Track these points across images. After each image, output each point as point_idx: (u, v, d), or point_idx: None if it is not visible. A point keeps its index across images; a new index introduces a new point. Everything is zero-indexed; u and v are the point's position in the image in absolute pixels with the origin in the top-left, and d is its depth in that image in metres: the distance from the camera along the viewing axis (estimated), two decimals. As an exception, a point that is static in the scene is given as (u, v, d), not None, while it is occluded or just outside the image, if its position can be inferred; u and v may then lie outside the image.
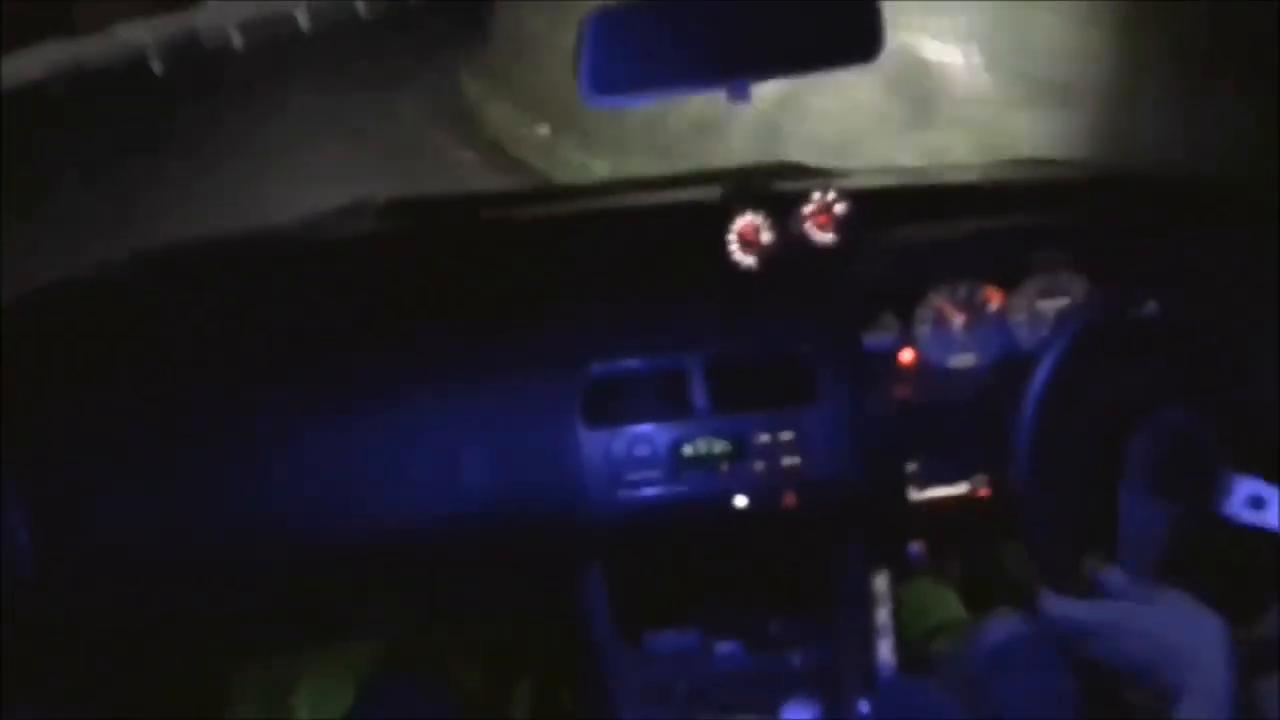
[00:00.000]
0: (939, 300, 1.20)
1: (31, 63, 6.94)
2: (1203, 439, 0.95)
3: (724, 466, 1.17)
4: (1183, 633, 0.89)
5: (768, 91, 1.06)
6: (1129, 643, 0.91)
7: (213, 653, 1.43)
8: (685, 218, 1.29)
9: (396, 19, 7.95)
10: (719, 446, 1.17)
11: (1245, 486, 0.92)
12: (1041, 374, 0.96)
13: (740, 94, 1.04)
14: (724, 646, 1.18)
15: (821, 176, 1.34)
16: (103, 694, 1.33)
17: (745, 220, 1.21)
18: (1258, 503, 0.91)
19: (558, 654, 1.51)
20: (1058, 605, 0.94)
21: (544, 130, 4.29)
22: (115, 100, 6.59)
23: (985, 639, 1.19)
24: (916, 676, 1.23)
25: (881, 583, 1.22)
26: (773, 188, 1.28)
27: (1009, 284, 1.19)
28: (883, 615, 1.21)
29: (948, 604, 1.62)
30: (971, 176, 1.45)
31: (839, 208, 1.21)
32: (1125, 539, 0.95)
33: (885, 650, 1.20)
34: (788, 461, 1.17)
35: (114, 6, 7.60)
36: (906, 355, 1.20)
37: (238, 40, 7.96)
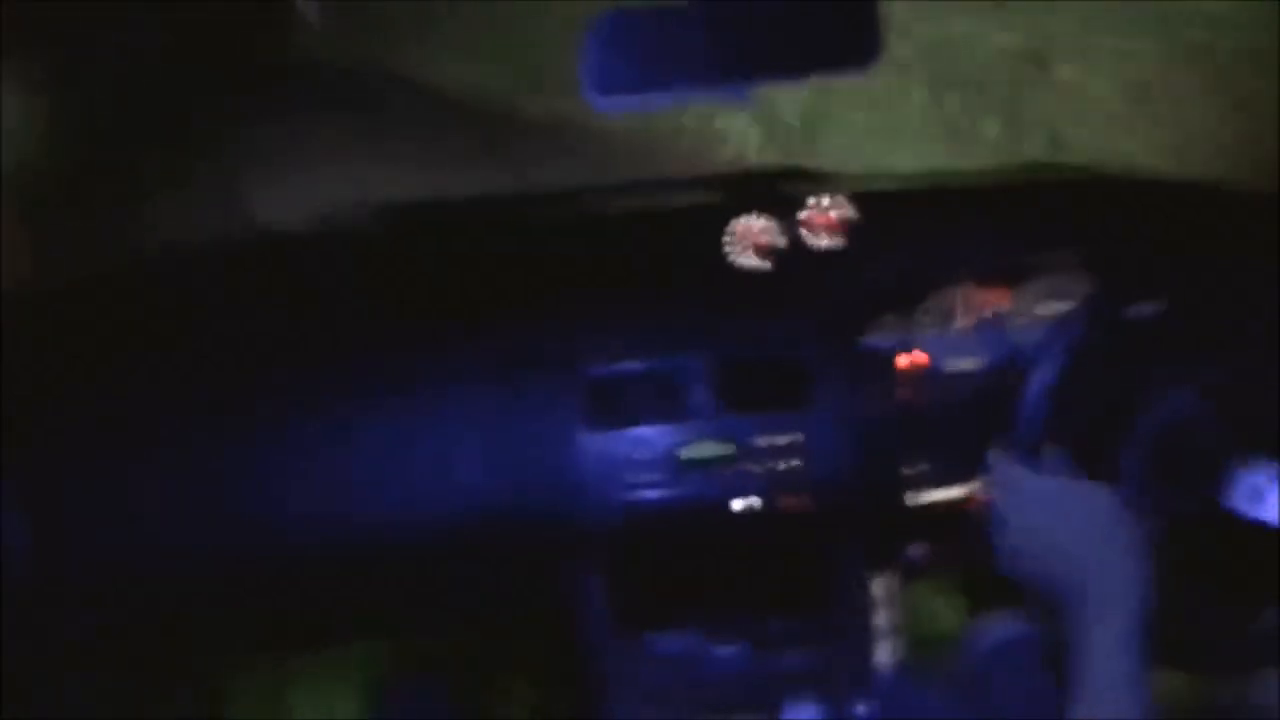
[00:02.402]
0: (940, 303, 1.20)
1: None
2: (1206, 427, 0.95)
3: (724, 469, 1.17)
4: (1108, 530, 0.87)
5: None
6: (1054, 522, 0.89)
7: (213, 653, 1.43)
8: (687, 220, 1.29)
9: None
10: (719, 449, 1.17)
11: (1246, 479, 0.91)
12: (1042, 376, 0.96)
13: (742, 98, 1.04)
14: (724, 648, 1.18)
15: (823, 179, 1.34)
16: (102, 694, 1.33)
17: (747, 223, 1.21)
18: (1255, 494, 0.91)
19: (557, 656, 1.52)
20: (1003, 465, 0.93)
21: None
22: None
23: (984, 639, 1.20)
24: (916, 678, 1.23)
25: (881, 585, 1.22)
26: (775, 190, 1.28)
27: (1011, 287, 1.19)
28: (882, 617, 1.21)
29: (947, 606, 1.62)
30: (973, 180, 1.44)
31: (841, 211, 1.21)
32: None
33: (885, 652, 1.20)
34: (788, 464, 1.17)
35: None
36: (908, 358, 1.20)
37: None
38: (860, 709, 1.14)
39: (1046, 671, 1.05)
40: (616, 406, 1.17)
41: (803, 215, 1.21)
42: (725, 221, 1.20)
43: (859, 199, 1.21)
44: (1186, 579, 0.92)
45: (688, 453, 1.17)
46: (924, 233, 1.22)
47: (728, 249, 1.21)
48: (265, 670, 1.63)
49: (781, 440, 1.17)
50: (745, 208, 1.21)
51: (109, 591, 1.17)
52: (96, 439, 1.16)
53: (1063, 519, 0.88)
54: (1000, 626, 1.19)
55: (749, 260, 1.21)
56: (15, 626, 1.13)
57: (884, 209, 1.24)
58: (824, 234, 1.21)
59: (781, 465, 1.17)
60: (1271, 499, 0.90)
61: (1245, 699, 0.98)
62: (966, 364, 1.20)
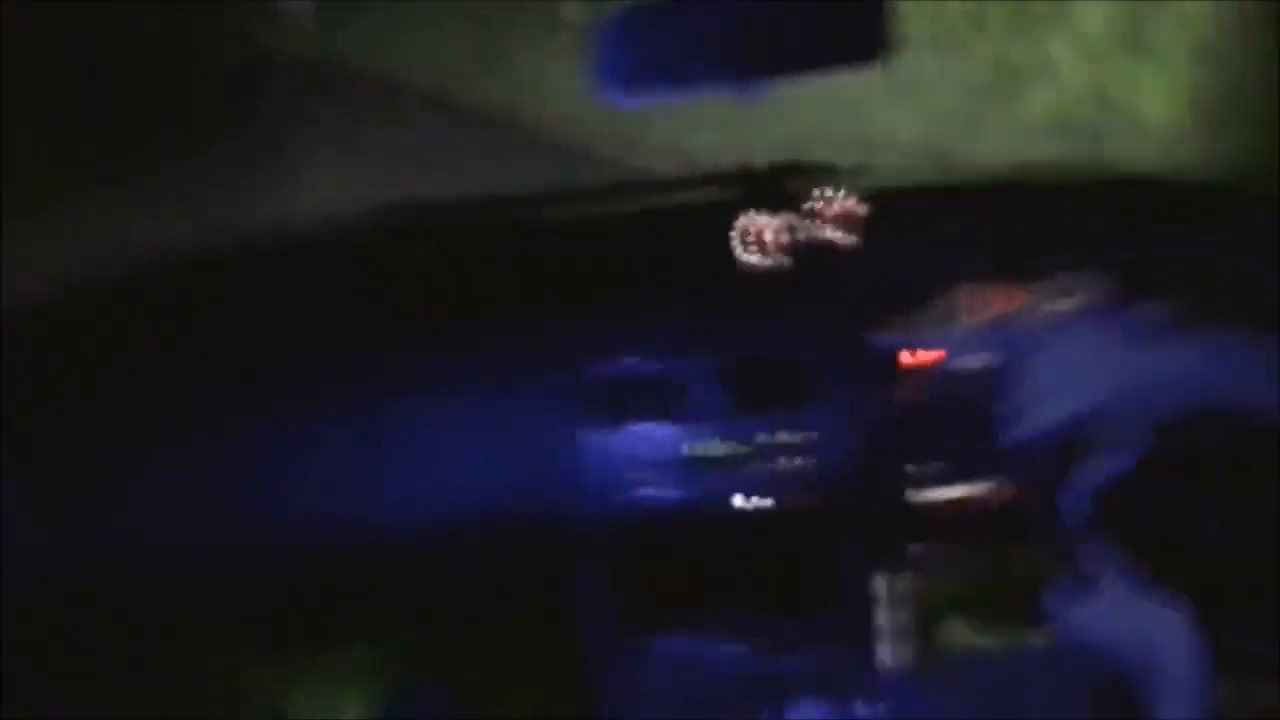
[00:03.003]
0: (948, 302, 1.19)
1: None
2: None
3: (728, 469, 1.17)
4: (1156, 631, 0.89)
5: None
6: (1114, 638, 0.91)
7: (212, 653, 1.42)
8: (692, 218, 1.29)
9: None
10: (723, 449, 1.17)
11: None
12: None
13: (752, 95, 1.04)
14: (726, 648, 1.18)
15: (831, 176, 1.34)
16: (103, 694, 1.33)
17: (754, 220, 1.20)
18: None
19: (558, 657, 1.51)
20: (1067, 608, 0.94)
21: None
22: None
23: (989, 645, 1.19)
24: (920, 679, 1.23)
25: (886, 585, 1.22)
26: (782, 187, 1.27)
27: (1019, 286, 1.19)
28: (886, 618, 1.21)
29: (950, 607, 1.61)
30: (984, 178, 1.44)
31: (848, 208, 1.20)
32: None
33: (889, 653, 1.20)
34: (792, 463, 1.17)
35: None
36: (915, 357, 1.19)
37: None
38: (864, 710, 1.14)
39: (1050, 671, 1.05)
40: (621, 406, 1.17)
41: (812, 212, 1.20)
42: (730, 219, 1.20)
43: (868, 197, 1.20)
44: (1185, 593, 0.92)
45: (692, 453, 1.16)
46: (932, 231, 1.21)
47: (733, 247, 1.21)
48: (266, 671, 1.62)
49: (786, 439, 1.16)
50: (750, 205, 1.20)
51: (110, 591, 1.17)
52: (96, 439, 1.16)
53: (1129, 632, 0.90)
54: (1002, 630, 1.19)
55: (755, 258, 1.20)
56: (15, 626, 1.13)
57: (892, 206, 1.23)
58: (830, 231, 1.21)
59: (787, 465, 1.16)
60: None
61: (1245, 712, 0.98)
62: (973, 363, 1.19)
